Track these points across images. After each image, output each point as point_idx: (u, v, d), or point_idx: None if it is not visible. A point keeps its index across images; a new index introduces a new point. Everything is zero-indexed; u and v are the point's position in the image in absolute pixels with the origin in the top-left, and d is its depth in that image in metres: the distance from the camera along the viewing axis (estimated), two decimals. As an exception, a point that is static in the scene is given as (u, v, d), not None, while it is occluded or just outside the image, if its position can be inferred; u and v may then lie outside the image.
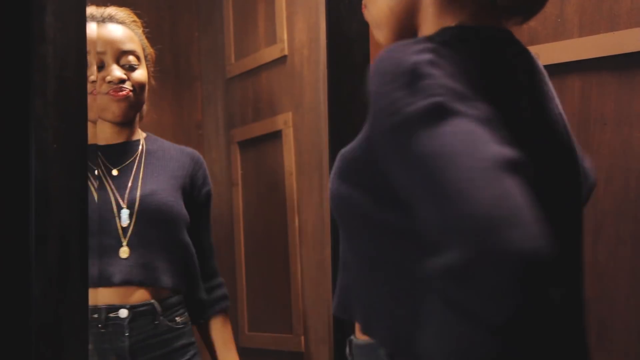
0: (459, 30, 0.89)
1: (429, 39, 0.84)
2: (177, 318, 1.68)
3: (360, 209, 0.87)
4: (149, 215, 1.65)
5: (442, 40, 0.85)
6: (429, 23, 0.92)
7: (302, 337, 2.25)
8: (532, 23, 1.65)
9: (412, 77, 0.76)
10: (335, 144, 1.57)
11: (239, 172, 2.59)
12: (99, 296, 1.60)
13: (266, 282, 2.48)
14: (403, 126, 0.74)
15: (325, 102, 1.63)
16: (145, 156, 1.73)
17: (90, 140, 1.45)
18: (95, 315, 1.58)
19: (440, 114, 0.73)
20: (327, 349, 2.12)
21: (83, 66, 1.26)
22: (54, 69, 1.22)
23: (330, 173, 1.41)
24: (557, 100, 0.98)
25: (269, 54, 2.39)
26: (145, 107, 1.80)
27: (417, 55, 0.79)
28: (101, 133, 1.71)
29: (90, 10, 1.67)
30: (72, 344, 1.22)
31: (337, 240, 1.61)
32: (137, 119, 1.77)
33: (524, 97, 0.89)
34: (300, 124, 2.26)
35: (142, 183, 1.68)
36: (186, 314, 1.72)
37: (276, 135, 2.36)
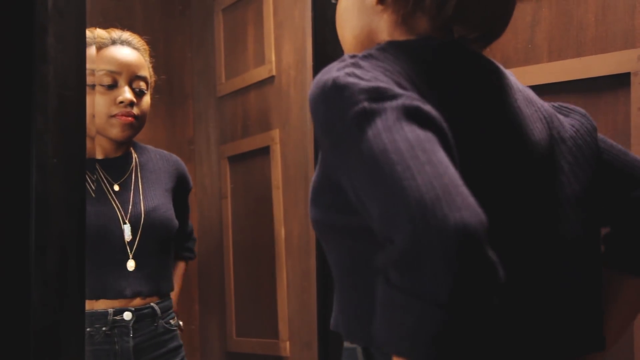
0: (386, 43, 0.91)
1: (353, 55, 0.88)
2: (171, 320, 1.76)
3: (331, 225, 0.90)
4: (153, 230, 1.71)
5: (365, 54, 0.88)
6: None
7: (288, 342, 2.28)
8: (505, 49, 1.71)
9: (335, 93, 0.80)
10: (320, 160, 1.63)
11: (229, 185, 2.60)
12: (107, 302, 1.67)
13: (253, 290, 2.49)
14: (340, 140, 0.79)
15: (310, 120, 1.67)
16: (140, 169, 1.78)
17: (89, 153, 1.51)
18: (102, 319, 1.65)
19: (365, 117, 0.77)
20: (311, 353, 2.15)
21: (83, 85, 1.30)
22: (55, 88, 1.26)
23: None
24: (523, 95, 0.98)
25: (258, 74, 2.42)
26: None
27: (336, 72, 0.82)
28: (99, 146, 1.74)
29: (109, 32, 1.73)
30: (69, 349, 1.27)
31: (322, 250, 1.67)
32: None
33: (459, 87, 0.91)
34: (287, 141, 2.29)
35: (143, 199, 1.74)
36: (176, 317, 1.79)
37: (264, 151, 2.39)
